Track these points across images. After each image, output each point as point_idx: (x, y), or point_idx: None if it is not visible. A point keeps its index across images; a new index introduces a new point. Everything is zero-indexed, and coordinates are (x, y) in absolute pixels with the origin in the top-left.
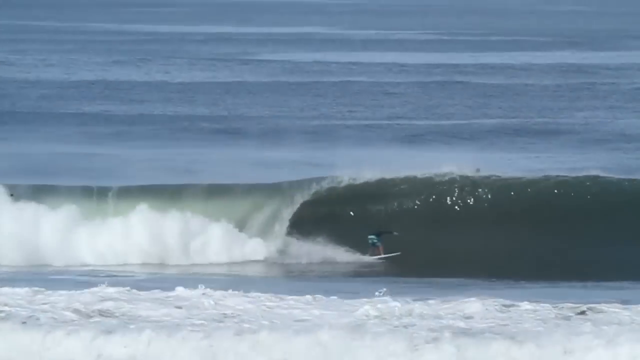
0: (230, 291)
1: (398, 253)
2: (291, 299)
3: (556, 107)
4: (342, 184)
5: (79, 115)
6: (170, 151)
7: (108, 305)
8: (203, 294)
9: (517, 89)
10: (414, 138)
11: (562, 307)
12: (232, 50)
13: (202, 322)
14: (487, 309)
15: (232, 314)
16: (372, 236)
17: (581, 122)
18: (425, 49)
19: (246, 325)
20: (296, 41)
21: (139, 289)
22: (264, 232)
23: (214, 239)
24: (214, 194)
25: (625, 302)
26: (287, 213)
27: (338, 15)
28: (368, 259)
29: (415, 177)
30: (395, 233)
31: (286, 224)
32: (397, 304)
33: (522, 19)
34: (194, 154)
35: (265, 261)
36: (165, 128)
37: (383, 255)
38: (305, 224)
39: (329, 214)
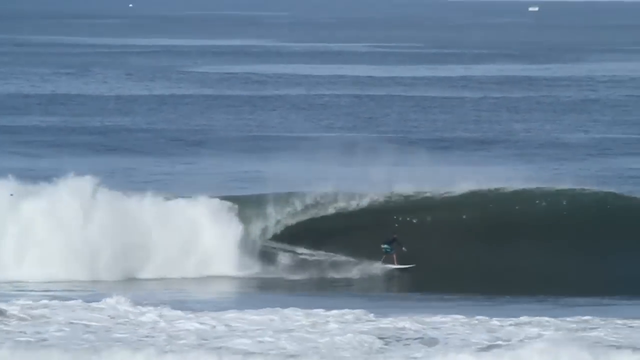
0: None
1: (413, 265)
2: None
3: (494, 118)
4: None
5: (16, 128)
6: (110, 162)
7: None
8: (116, 304)
9: (455, 101)
10: (353, 150)
11: (499, 319)
12: (169, 62)
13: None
14: (417, 324)
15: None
16: (385, 245)
17: (520, 132)
18: (363, 62)
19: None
20: (234, 53)
21: (65, 299)
22: (237, 246)
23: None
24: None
25: (557, 315)
26: (259, 228)
27: (275, 27)
28: (375, 268)
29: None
30: (404, 249)
31: (259, 238)
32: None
33: (461, 31)
34: (132, 163)
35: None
36: (104, 139)
37: (397, 266)
38: (275, 238)
39: (300, 231)
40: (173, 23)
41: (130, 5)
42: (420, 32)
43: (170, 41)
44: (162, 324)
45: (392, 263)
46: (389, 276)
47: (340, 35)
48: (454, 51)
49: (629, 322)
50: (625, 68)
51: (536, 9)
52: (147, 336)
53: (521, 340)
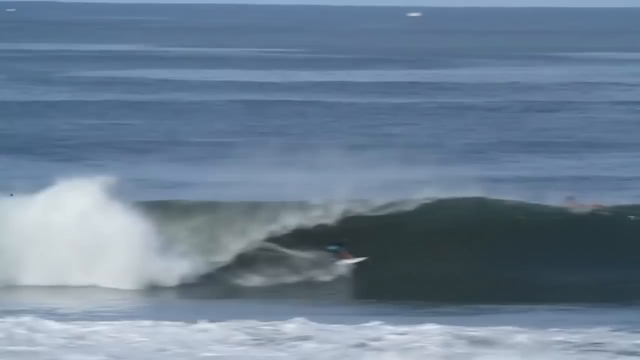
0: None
1: (366, 258)
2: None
3: (374, 123)
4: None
5: None
6: None
7: None
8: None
9: (336, 106)
10: (236, 156)
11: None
12: (50, 67)
13: None
14: (303, 327)
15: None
16: (333, 247)
17: (399, 137)
18: (245, 66)
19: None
20: (115, 58)
21: None
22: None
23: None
24: None
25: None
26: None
27: (156, 32)
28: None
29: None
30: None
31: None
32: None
33: (342, 36)
34: (8, 166)
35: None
36: None
37: (354, 260)
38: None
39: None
40: (54, 28)
41: (13, 10)
42: (301, 37)
43: (50, 46)
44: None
45: (347, 258)
46: (294, 282)
47: (221, 40)
48: (334, 56)
49: (512, 327)
50: (507, 74)
51: (417, 14)
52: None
53: (394, 343)
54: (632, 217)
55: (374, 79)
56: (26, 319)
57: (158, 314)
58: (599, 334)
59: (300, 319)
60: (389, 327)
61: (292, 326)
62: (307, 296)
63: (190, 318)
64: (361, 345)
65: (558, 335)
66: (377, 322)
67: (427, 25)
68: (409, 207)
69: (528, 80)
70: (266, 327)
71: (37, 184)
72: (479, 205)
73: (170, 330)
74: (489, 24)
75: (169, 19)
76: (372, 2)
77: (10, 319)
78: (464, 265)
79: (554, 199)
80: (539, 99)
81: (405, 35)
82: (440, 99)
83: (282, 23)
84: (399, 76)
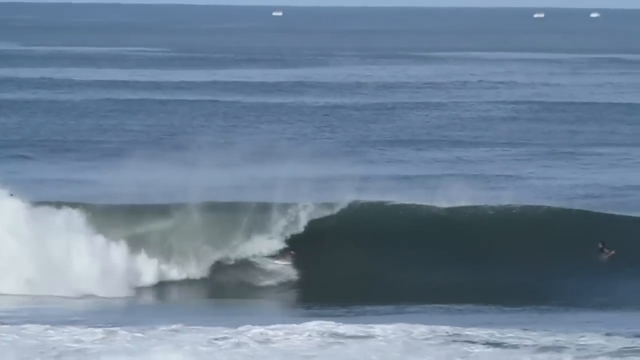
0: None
1: (289, 263)
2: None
3: (244, 122)
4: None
5: None
6: None
7: None
8: None
9: (204, 105)
10: (104, 154)
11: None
12: None
13: None
14: (175, 326)
15: None
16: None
17: (266, 134)
18: (111, 65)
19: None
20: None
21: None
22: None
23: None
24: None
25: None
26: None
27: (19, 30)
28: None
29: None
30: (292, 252)
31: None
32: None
33: (206, 36)
34: None
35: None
36: None
37: (284, 262)
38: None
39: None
40: None
41: None
42: (165, 36)
43: None
44: None
45: (290, 256)
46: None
47: (86, 39)
48: (199, 55)
49: (379, 325)
50: (372, 73)
51: (280, 13)
52: None
53: (258, 334)
54: (491, 212)
55: (240, 78)
56: None
57: (25, 317)
58: (467, 329)
59: (175, 322)
60: (259, 326)
61: (164, 326)
62: (192, 298)
63: (59, 321)
64: (222, 340)
65: (424, 329)
66: (248, 322)
67: (293, 25)
68: (281, 212)
69: (393, 80)
70: (132, 329)
71: None
72: (351, 207)
73: (35, 329)
74: (352, 23)
75: (33, 18)
76: (237, 1)
77: None
78: (342, 268)
79: (422, 199)
80: (405, 98)
81: (270, 34)
82: (306, 97)
83: (146, 22)
84: (264, 75)
